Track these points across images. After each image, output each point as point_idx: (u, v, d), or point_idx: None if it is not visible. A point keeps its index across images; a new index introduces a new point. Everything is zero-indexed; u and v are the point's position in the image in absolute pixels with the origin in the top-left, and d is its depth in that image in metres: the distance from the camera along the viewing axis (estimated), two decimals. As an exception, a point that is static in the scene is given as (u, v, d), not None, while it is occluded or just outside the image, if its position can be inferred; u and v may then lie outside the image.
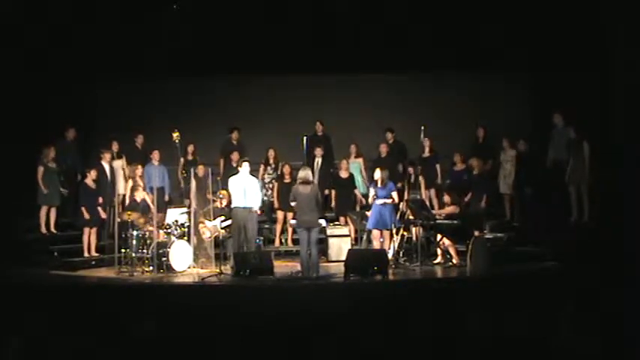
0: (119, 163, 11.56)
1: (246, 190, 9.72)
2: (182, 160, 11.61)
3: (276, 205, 11.74)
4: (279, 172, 11.90)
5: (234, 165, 11.42)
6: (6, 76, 10.82)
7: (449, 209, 10.27)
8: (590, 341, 6.59)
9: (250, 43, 12.23)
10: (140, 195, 10.73)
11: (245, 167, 9.95)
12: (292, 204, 9.67)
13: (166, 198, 11.70)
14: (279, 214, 11.75)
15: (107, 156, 11.19)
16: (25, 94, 11.15)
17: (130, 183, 11.24)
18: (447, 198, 10.44)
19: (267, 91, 13.09)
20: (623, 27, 10.46)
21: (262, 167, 12.11)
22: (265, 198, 11.67)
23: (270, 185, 11.95)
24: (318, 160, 12.02)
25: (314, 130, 12.35)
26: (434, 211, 10.50)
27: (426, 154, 11.79)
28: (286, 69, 12.54)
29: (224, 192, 10.59)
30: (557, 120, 11.07)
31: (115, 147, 11.61)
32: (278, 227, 11.81)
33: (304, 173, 9.49)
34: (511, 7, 11.65)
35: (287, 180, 11.63)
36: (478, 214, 10.37)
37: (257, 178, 11.05)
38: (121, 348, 6.99)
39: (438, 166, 11.80)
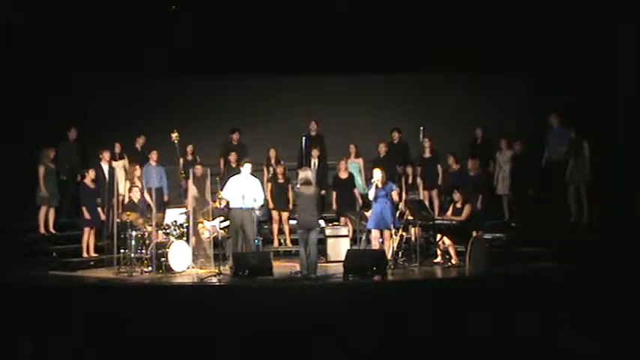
0: (120, 164, 11.57)
1: (245, 190, 9.70)
2: (181, 160, 11.61)
3: (270, 205, 11.73)
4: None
5: (234, 165, 11.42)
6: (6, 76, 10.84)
7: (466, 210, 10.12)
8: (590, 341, 6.57)
9: (250, 44, 12.24)
10: (136, 195, 10.71)
11: (246, 168, 9.93)
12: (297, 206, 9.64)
13: (165, 198, 11.71)
14: (274, 214, 11.73)
15: (106, 156, 11.20)
16: (25, 93, 11.16)
17: (128, 184, 11.24)
18: (457, 196, 10.24)
19: (267, 91, 13.09)
20: (623, 27, 10.47)
21: (265, 168, 12.10)
22: (268, 199, 11.68)
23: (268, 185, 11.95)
24: (315, 162, 12.00)
25: (308, 129, 12.34)
26: (457, 218, 10.22)
27: (427, 154, 11.79)
28: (286, 69, 12.55)
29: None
30: (552, 121, 11.04)
31: (117, 148, 11.63)
32: (274, 227, 11.80)
33: (304, 174, 9.47)
34: (511, 7, 11.65)
35: (280, 180, 11.64)
36: (477, 215, 10.35)
37: (259, 178, 11.02)
38: (120, 348, 6.98)
39: (439, 167, 11.79)
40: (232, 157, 11.76)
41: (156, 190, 11.20)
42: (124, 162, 11.67)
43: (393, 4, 12.05)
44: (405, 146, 12.15)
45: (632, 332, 6.68)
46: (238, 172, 10.18)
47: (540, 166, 11.08)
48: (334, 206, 11.79)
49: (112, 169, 11.28)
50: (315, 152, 12.02)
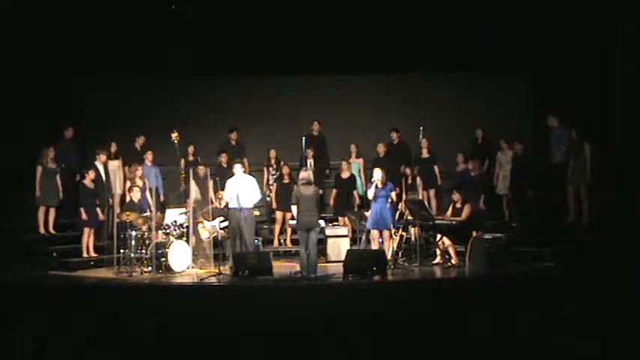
0: (115, 164, 11.55)
1: (239, 191, 9.69)
2: (183, 160, 11.60)
3: (274, 205, 11.73)
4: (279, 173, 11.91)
5: (225, 166, 11.42)
6: (5, 76, 10.84)
7: (466, 210, 10.12)
8: (590, 341, 6.57)
9: (250, 44, 12.24)
10: (136, 195, 10.71)
11: (236, 169, 9.93)
12: (293, 207, 9.62)
13: (162, 198, 11.70)
14: (278, 215, 11.74)
15: (102, 157, 11.19)
16: (24, 93, 11.16)
17: (128, 184, 11.23)
18: (456, 196, 10.26)
19: (267, 91, 13.08)
20: (623, 27, 10.46)
21: (265, 169, 12.10)
22: (268, 198, 11.66)
23: (272, 186, 11.92)
24: (311, 162, 11.98)
25: (311, 129, 12.33)
26: (456, 219, 10.21)
27: (425, 155, 11.78)
28: (286, 69, 12.54)
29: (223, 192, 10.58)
30: (552, 123, 11.02)
31: (113, 148, 11.61)
32: (277, 227, 11.81)
33: (306, 174, 9.47)
34: (511, 7, 11.65)
35: (286, 180, 11.66)
36: (478, 215, 10.35)
37: (259, 179, 11.03)
38: (120, 348, 6.97)
39: (436, 167, 11.78)
40: (223, 157, 11.75)
41: (153, 190, 11.20)
42: (119, 162, 11.66)
43: (392, 4, 12.05)
44: (405, 146, 12.14)
45: (632, 332, 6.68)
46: (229, 172, 10.18)
47: (541, 167, 11.06)
48: (331, 202, 11.82)
49: (106, 169, 11.26)
50: (309, 152, 11.99)
